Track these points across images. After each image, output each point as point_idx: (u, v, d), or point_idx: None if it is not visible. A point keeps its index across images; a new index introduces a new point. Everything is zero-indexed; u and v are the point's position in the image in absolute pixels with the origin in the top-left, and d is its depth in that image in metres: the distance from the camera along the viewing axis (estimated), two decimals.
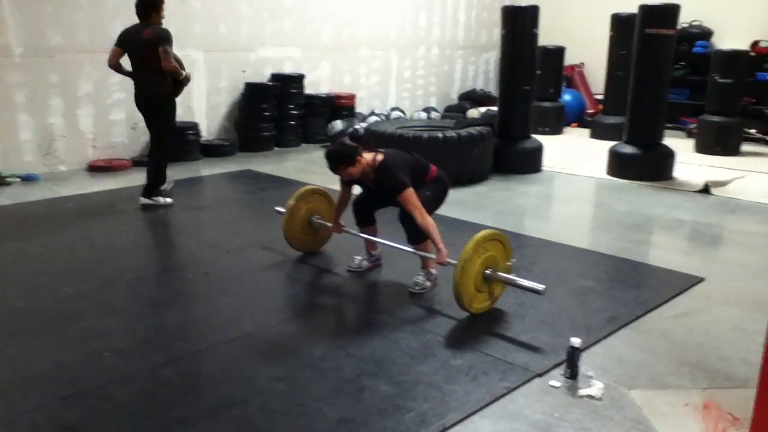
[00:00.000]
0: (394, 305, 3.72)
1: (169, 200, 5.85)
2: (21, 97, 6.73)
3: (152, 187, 5.81)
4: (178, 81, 5.68)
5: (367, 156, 3.78)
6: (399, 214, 3.82)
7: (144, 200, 5.76)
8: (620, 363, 3.05)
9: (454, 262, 3.44)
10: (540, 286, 3.37)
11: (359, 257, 4.23)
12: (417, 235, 3.78)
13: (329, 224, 4.36)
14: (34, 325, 3.43)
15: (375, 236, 4.18)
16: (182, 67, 5.72)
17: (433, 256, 3.74)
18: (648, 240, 5.16)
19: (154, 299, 3.80)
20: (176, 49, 7.69)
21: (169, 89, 5.66)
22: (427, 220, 3.64)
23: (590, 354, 3.11)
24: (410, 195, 3.65)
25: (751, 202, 6.07)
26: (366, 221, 4.16)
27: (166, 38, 5.49)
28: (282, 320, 3.55)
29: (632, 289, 4.00)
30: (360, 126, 8.42)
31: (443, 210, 5.52)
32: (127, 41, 5.60)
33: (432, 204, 3.89)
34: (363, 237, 4.18)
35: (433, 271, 3.90)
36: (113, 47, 5.66)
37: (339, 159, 3.76)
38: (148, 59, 5.47)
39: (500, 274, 3.52)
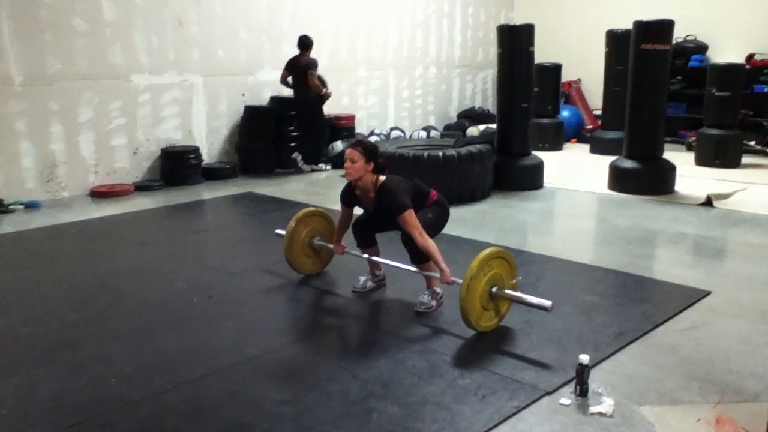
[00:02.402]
0: (399, 325, 3.70)
1: (328, 167, 8.65)
2: (22, 125, 6.76)
3: (316, 158, 8.60)
4: (320, 95, 8.29)
5: (372, 175, 3.79)
6: (402, 235, 3.81)
7: (313, 167, 8.56)
8: (629, 379, 3.02)
9: (460, 280, 3.42)
10: (547, 303, 3.35)
11: (363, 277, 4.22)
12: (420, 256, 3.77)
13: (330, 245, 4.35)
14: (38, 352, 3.41)
15: (377, 257, 4.17)
16: (324, 85, 8.37)
17: (437, 275, 3.73)
18: (651, 254, 5.15)
19: (157, 324, 3.77)
20: (175, 74, 7.85)
21: (314, 98, 8.26)
22: (426, 241, 3.64)
23: (599, 371, 3.08)
24: (410, 216, 3.66)
25: (753, 214, 6.07)
26: (367, 243, 4.15)
27: (313, 65, 8.13)
28: (287, 343, 3.53)
29: (638, 304, 3.97)
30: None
31: (446, 228, 5.53)
32: (290, 65, 8.24)
33: (433, 227, 3.88)
34: (365, 257, 4.17)
35: (438, 290, 3.89)
36: (283, 69, 8.30)
37: (364, 145, 3.80)
38: (302, 78, 8.11)
39: (507, 291, 3.51)
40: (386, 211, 3.74)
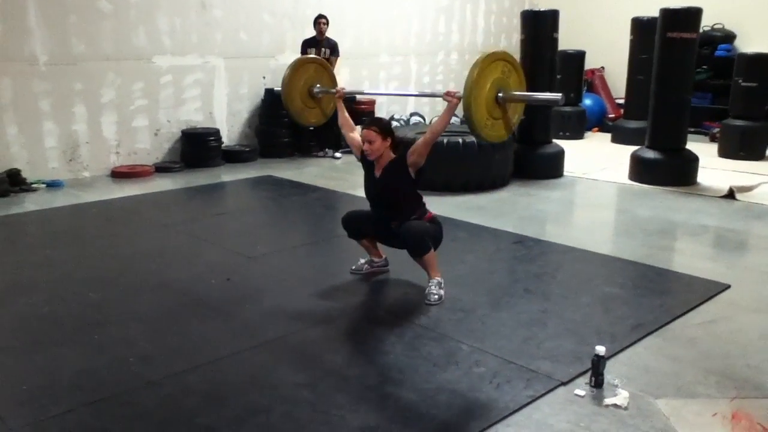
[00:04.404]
0: (415, 312, 3.69)
1: (339, 153, 8.53)
2: (46, 105, 6.83)
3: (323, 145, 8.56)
4: None
5: (390, 153, 3.87)
6: (402, 230, 3.77)
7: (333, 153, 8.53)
8: (646, 371, 3.01)
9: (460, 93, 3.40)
10: (557, 96, 3.27)
11: (362, 260, 4.24)
12: (419, 248, 3.76)
13: (332, 90, 4.29)
14: (60, 331, 3.47)
15: (372, 245, 4.17)
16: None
17: (436, 279, 3.79)
18: (672, 246, 5.11)
19: (178, 306, 3.82)
20: (198, 56, 7.89)
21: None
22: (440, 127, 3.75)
23: (615, 362, 3.07)
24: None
25: None
26: (359, 235, 4.13)
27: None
28: (305, 327, 3.55)
29: (657, 296, 3.95)
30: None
31: (465, 216, 5.54)
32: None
33: (434, 235, 3.87)
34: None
35: (441, 279, 3.87)
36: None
37: (378, 123, 3.85)
38: None
39: (514, 92, 3.38)
40: (394, 175, 3.81)
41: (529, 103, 3.40)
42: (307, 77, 4.31)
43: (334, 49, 8.29)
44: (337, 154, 8.49)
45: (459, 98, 3.63)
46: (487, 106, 3.28)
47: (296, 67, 4.27)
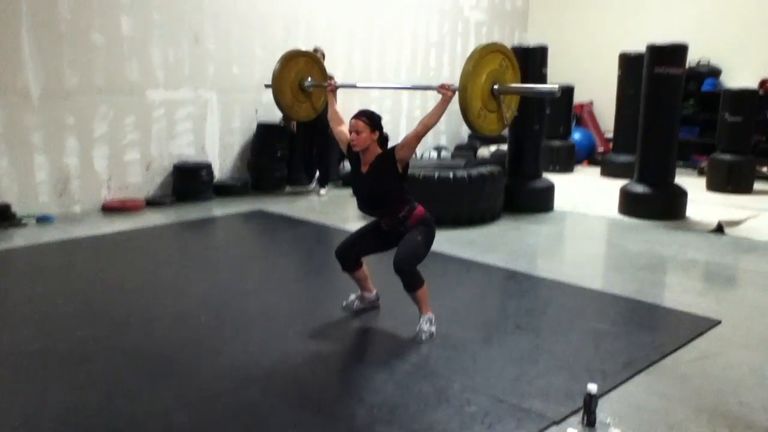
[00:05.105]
0: (406, 349, 3.67)
1: (324, 191, 8.44)
2: (37, 139, 6.82)
3: (324, 180, 8.48)
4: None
5: (377, 147, 3.84)
6: (394, 262, 3.71)
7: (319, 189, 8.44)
8: (638, 410, 3.00)
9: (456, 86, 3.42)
10: (553, 87, 3.27)
11: (353, 296, 4.21)
12: (410, 284, 3.74)
13: (324, 84, 4.29)
14: (47, 368, 3.43)
15: (365, 279, 4.14)
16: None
17: (427, 315, 3.77)
18: (662, 281, 5.12)
19: (166, 342, 3.78)
20: (190, 90, 7.93)
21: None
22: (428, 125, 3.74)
23: (607, 400, 3.06)
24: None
25: (765, 241, 6.02)
26: (351, 265, 4.08)
27: None
28: (295, 365, 3.51)
29: (648, 332, 3.94)
30: None
31: (455, 251, 5.54)
32: None
33: (424, 247, 3.79)
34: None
35: (431, 315, 3.85)
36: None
37: (368, 114, 3.81)
38: None
39: (511, 85, 3.39)
40: (381, 170, 3.77)
41: (525, 95, 3.40)
42: (298, 70, 4.32)
43: None
44: (322, 191, 8.41)
45: (454, 91, 3.62)
46: (482, 97, 3.31)
47: (286, 61, 4.27)
